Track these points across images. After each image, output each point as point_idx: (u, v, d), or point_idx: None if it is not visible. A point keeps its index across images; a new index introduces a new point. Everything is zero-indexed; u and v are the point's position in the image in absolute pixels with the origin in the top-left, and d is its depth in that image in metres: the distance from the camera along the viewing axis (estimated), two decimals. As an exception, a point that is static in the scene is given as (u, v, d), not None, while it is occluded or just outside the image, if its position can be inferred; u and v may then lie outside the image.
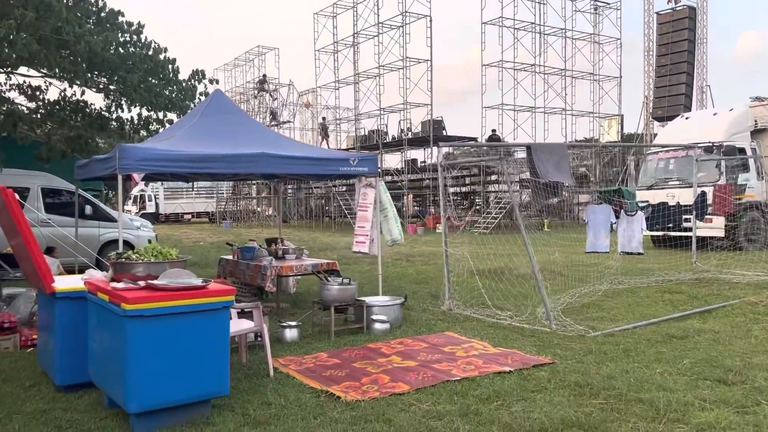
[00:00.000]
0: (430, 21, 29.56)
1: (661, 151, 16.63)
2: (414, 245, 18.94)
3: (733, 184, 14.73)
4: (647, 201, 15.53)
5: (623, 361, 5.53)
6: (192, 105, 12.12)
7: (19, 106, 12.26)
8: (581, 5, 34.22)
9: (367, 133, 33.59)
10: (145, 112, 12.54)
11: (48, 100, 12.48)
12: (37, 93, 12.44)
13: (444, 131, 29.71)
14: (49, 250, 9.68)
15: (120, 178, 6.57)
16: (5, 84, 12.02)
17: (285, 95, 39.59)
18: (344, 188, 32.62)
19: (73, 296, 4.81)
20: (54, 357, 4.90)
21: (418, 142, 30.73)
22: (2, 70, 11.35)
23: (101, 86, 12.16)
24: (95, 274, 4.84)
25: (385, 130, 32.95)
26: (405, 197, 32.05)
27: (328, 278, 7.43)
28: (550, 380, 5.02)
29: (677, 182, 15.47)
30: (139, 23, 12.04)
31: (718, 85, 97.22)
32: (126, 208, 38.09)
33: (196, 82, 12.84)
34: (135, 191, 40.36)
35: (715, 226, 14.09)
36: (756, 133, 16.45)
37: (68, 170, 9.97)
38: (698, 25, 32.01)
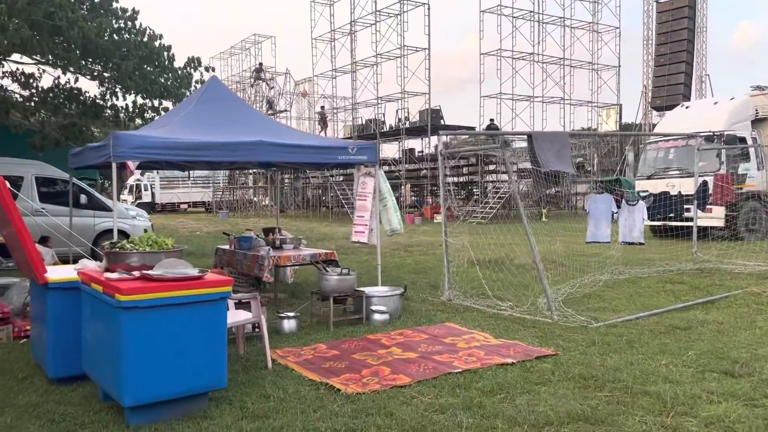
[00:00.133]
0: (428, 9, 29.36)
1: (661, 141, 16.53)
2: (412, 235, 18.85)
3: (734, 173, 14.65)
4: (647, 191, 15.45)
5: (627, 353, 5.45)
6: (188, 93, 11.98)
7: (12, 94, 12.09)
8: (580, -7, 34.01)
9: (364, 123, 33.42)
10: (140, 100, 12.40)
11: (41, 87, 12.31)
12: (31, 80, 12.27)
13: (442, 120, 29.55)
14: (44, 240, 9.55)
15: (114, 166, 6.43)
16: (-2, 71, 11.87)
17: (282, 84, 39.38)
18: (341, 178, 32.49)
19: (66, 287, 4.68)
20: (47, 349, 4.78)
21: (416, 131, 30.57)
22: (-6, 57, 11.17)
23: (95, 73, 12.00)
24: (88, 264, 4.72)
25: (383, 119, 32.81)
26: (403, 187, 31.94)
27: (327, 268, 7.33)
28: (553, 372, 4.93)
29: (677, 172, 15.37)
30: (133, 9, 11.86)
31: (716, 74, 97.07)
32: (122, 197, 37.93)
33: (192, 70, 12.69)
34: (131, 181, 40.16)
35: (715, 216, 14.02)
36: (757, 122, 16.36)
37: (62, 159, 9.82)
38: (698, 14, 31.82)
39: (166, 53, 12.27)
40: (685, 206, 13.93)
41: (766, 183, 15.52)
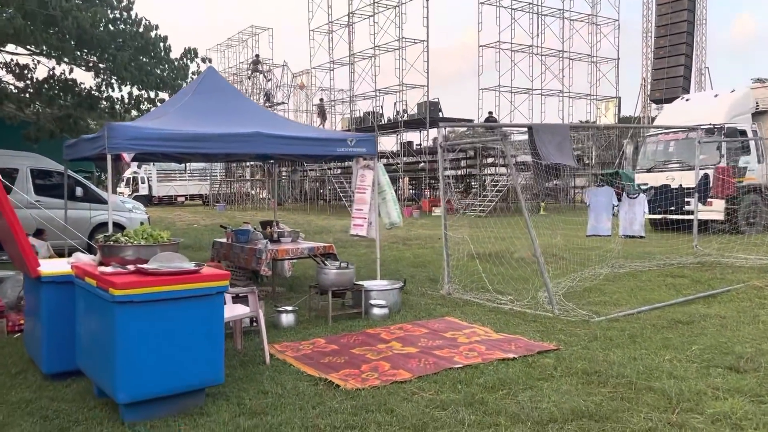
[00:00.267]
0: (427, 0, 29.11)
1: (661, 134, 16.43)
2: (410, 228, 18.76)
3: (734, 166, 14.57)
4: (647, 184, 15.37)
5: (630, 348, 5.38)
6: (184, 84, 11.85)
7: (7, 85, 11.95)
8: (579, -15, 33.82)
9: (362, 115, 33.24)
10: (135, 91, 12.28)
11: (36, 78, 12.17)
12: (25, 71, 12.13)
13: (440, 113, 29.38)
14: (39, 233, 9.45)
15: (109, 158, 6.32)
16: (-8, 62, 11.72)
17: (279, 76, 39.14)
18: (339, 171, 32.35)
19: (60, 281, 4.59)
20: (41, 344, 4.70)
21: (414, 124, 30.40)
22: (-12, 48, 11.04)
23: (91, 64, 11.86)
24: (82, 258, 4.62)
25: (381, 111, 32.62)
26: (401, 180, 31.82)
27: (325, 262, 7.24)
28: (556, 368, 4.85)
29: (677, 165, 15.29)
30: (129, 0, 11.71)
31: (714, 67, 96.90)
32: (119, 190, 37.77)
33: (189, 61, 12.56)
34: (128, 173, 39.99)
35: (715, 209, 13.95)
36: (757, 115, 16.27)
37: (57, 151, 9.69)
38: (697, 6, 31.68)
39: (162, 44, 12.13)
40: (686, 199, 13.86)
41: (766, 176, 15.45)
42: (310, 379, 4.68)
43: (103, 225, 11.56)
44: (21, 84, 12.16)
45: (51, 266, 4.84)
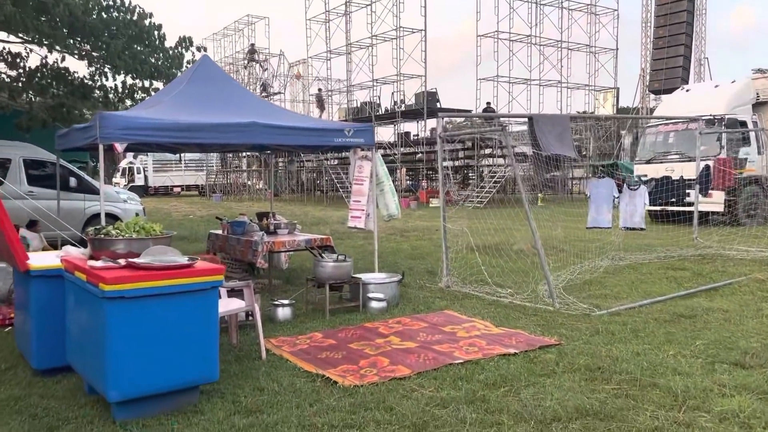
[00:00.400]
0: (425, -11, 28.80)
1: (661, 124, 16.31)
2: (408, 220, 18.64)
3: (734, 158, 14.47)
4: (646, 175, 15.26)
5: (633, 343, 5.28)
6: (179, 73, 11.66)
7: (-1, 73, 11.76)
8: (578, -25, 33.53)
9: (359, 105, 33.01)
10: (129, 80, 12.08)
11: (29, 67, 11.96)
12: (17, 60, 11.92)
13: (438, 103, 29.18)
14: (32, 224, 9.30)
15: (101, 148, 6.18)
16: (-18, 50, 11.51)
17: (275, 66, 38.84)
18: (336, 162, 32.17)
19: (49, 274, 4.46)
20: (30, 339, 4.57)
21: (412, 114, 30.20)
22: (-22, 35, 10.83)
23: (83, 53, 11.66)
24: (72, 251, 4.49)
25: (378, 102, 32.38)
26: (398, 171, 31.65)
27: (322, 254, 7.12)
28: (558, 363, 4.75)
29: (676, 156, 15.18)
30: (122, -14, 11.50)
31: (714, 57, 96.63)
32: (114, 180, 37.54)
33: (183, 50, 12.37)
34: (123, 164, 39.77)
35: (715, 201, 13.86)
36: (757, 105, 16.16)
37: (50, 140, 9.51)
38: (697, -4, 31.49)
39: (156, 32, 11.93)
40: (687, 191, 13.75)
41: (766, 167, 15.35)
42: (307, 376, 4.58)
43: (97, 216, 11.42)
44: (13, 73, 11.95)
45: (40, 260, 4.70)
